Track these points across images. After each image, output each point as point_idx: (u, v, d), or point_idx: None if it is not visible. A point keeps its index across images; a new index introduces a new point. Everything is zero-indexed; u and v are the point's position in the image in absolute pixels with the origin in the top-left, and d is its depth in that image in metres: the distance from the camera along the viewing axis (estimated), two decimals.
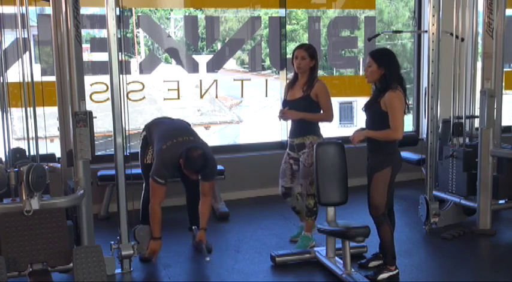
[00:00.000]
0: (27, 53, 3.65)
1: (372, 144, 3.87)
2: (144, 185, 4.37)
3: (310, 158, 4.28)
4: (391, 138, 3.77)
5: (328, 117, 4.38)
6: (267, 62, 6.71)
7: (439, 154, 5.08)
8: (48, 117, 4.07)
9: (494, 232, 4.78)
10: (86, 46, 5.34)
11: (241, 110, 8.45)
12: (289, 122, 4.53)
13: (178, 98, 5.94)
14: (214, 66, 6.16)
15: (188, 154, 4.01)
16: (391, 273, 3.87)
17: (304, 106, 4.31)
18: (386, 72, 3.77)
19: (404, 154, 5.93)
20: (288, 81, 4.61)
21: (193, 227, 4.40)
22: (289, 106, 4.38)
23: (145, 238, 4.13)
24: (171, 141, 4.15)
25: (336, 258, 4.04)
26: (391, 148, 3.83)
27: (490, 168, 4.73)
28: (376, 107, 3.78)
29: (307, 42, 6.56)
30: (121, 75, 3.90)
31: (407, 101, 3.87)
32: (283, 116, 4.42)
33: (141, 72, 5.99)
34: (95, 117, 3.74)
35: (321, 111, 4.37)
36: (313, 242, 4.48)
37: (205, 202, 4.28)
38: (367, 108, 3.92)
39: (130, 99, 5.49)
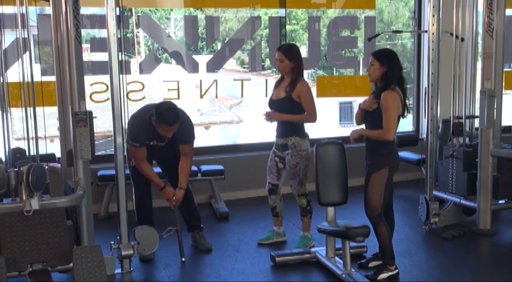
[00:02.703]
0: (27, 53, 3.65)
1: (370, 145, 3.87)
2: (133, 188, 4.34)
3: (294, 158, 4.32)
4: (383, 139, 3.77)
5: (311, 118, 4.37)
6: (267, 62, 6.72)
7: (439, 154, 5.08)
8: (48, 117, 4.07)
9: (494, 232, 4.78)
10: (86, 46, 5.34)
11: (241, 110, 8.44)
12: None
13: (179, 98, 5.93)
14: (214, 66, 6.16)
15: (158, 108, 4.06)
16: (391, 273, 3.87)
17: (287, 107, 4.32)
18: (388, 71, 3.78)
19: (404, 154, 5.97)
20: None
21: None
22: (273, 106, 4.41)
23: (146, 238, 4.11)
24: (143, 107, 4.28)
25: (336, 258, 4.04)
26: (389, 149, 3.83)
27: (490, 168, 4.73)
28: (377, 107, 3.79)
29: (306, 42, 6.58)
30: (121, 75, 3.90)
31: (407, 102, 3.87)
32: (268, 118, 4.42)
33: (141, 72, 5.99)
34: (95, 117, 3.74)
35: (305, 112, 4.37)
36: (313, 241, 4.49)
37: (186, 161, 4.28)
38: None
39: (130, 99, 5.48)
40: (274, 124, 4.47)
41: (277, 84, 4.49)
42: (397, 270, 3.89)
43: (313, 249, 4.27)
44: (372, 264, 4.07)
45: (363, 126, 4.03)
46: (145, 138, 4.20)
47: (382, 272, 3.87)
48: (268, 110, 4.46)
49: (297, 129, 4.37)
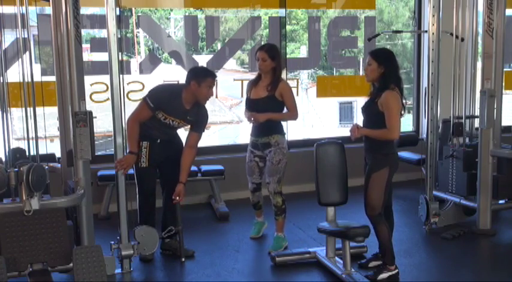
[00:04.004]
0: (27, 53, 3.65)
1: (370, 144, 3.87)
2: (137, 189, 4.28)
3: (277, 155, 4.39)
4: (387, 138, 3.78)
5: (294, 116, 4.48)
6: None
7: (439, 154, 5.08)
8: (48, 117, 4.06)
9: (494, 232, 4.78)
10: (86, 46, 5.34)
11: (241, 110, 8.45)
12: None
13: None
14: (214, 66, 6.15)
15: (194, 69, 4.32)
16: (390, 273, 3.87)
17: (270, 106, 4.40)
18: (386, 71, 3.78)
19: (404, 154, 5.97)
20: (251, 80, 4.66)
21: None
22: (253, 105, 4.47)
23: (146, 238, 4.11)
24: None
25: (336, 258, 4.04)
26: (389, 149, 3.84)
27: (490, 168, 4.73)
28: (374, 107, 3.79)
29: (306, 42, 6.58)
30: (121, 75, 3.90)
31: (404, 102, 3.87)
32: (253, 120, 4.45)
33: (141, 72, 5.99)
34: (95, 117, 3.73)
35: (286, 110, 4.45)
36: (286, 242, 4.50)
37: (190, 154, 4.26)
38: (365, 108, 3.92)
39: (130, 99, 5.49)
40: (249, 123, 4.58)
41: (254, 83, 4.53)
42: (397, 270, 3.89)
43: (312, 249, 4.27)
44: (372, 264, 4.07)
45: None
46: (165, 104, 4.12)
47: (382, 272, 3.87)
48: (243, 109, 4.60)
49: (278, 128, 4.46)
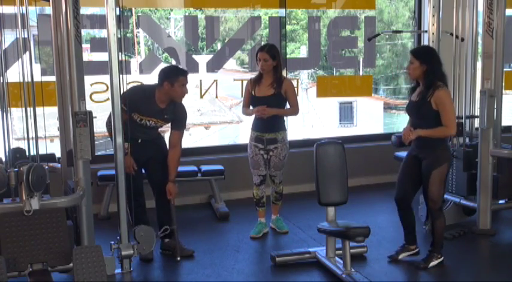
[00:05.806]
0: (27, 53, 3.65)
1: (427, 141, 3.95)
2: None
3: (283, 151, 4.67)
4: (446, 135, 3.96)
5: (297, 111, 4.74)
6: None
7: None
8: (48, 117, 4.06)
9: (494, 232, 4.78)
10: (86, 46, 5.34)
11: (241, 110, 8.45)
12: (253, 116, 4.76)
13: None
14: (214, 66, 6.16)
15: (166, 69, 4.30)
16: (438, 260, 4.11)
17: (277, 102, 4.62)
18: (429, 69, 3.88)
19: (405, 154, 5.95)
20: (250, 78, 4.79)
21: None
22: (261, 102, 4.60)
23: (145, 238, 4.10)
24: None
25: (336, 258, 4.04)
26: (445, 144, 4.02)
27: (490, 168, 4.73)
28: (428, 106, 3.87)
29: (306, 42, 6.57)
30: (121, 75, 3.90)
31: None
32: (263, 113, 4.57)
33: (141, 72, 5.99)
34: (95, 117, 3.74)
35: (288, 106, 4.70)
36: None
37: (175, 153, 4.29)
38: (417, 108, 3.98)
39: None
40: (250, 120, 4.76)
41: (256, 82, 4.67)
42: (442, 257, 4.12)
43: (312, 249, 4.27)
44: (402, 256, 4.21)
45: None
46: (138, 105, 4.15)
47: (432, 260, 4.09)
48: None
49: (284, 124, 4.75)
